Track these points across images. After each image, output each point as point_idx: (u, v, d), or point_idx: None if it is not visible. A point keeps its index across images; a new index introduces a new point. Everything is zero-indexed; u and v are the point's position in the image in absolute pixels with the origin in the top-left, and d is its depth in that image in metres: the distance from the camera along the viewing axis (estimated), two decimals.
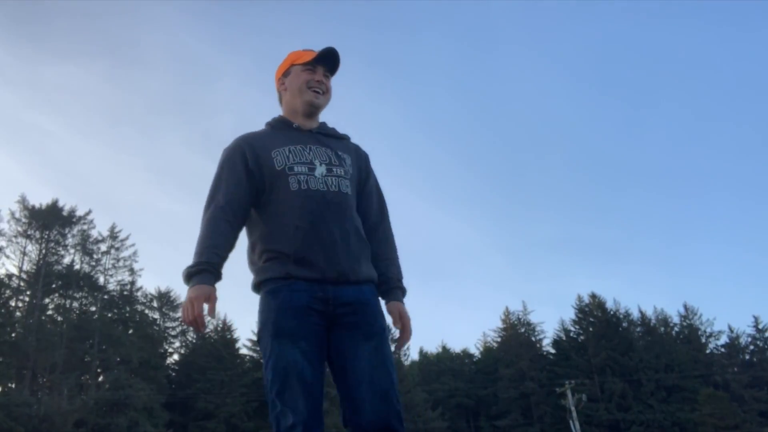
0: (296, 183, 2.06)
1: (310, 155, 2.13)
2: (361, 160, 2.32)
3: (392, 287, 2.21)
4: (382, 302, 2.20)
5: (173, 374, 47.06)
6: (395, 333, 2.25)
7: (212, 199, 2.12)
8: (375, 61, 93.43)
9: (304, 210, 2.03)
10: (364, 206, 2.26)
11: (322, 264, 2.01)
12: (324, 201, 2.06)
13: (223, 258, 2.02)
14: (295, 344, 1.94)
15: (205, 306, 1.91)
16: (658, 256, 77.87)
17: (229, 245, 2.06)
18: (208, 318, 1.91)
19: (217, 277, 1.99)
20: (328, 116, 2.39)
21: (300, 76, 2.26)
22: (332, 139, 2.26)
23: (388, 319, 2.19)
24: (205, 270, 1.95)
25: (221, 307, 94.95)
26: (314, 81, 2.24)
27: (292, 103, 2.27)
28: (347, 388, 2.01)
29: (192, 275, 1.94)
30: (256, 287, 2.10)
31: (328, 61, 2.26)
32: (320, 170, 2.11)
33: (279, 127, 2.25)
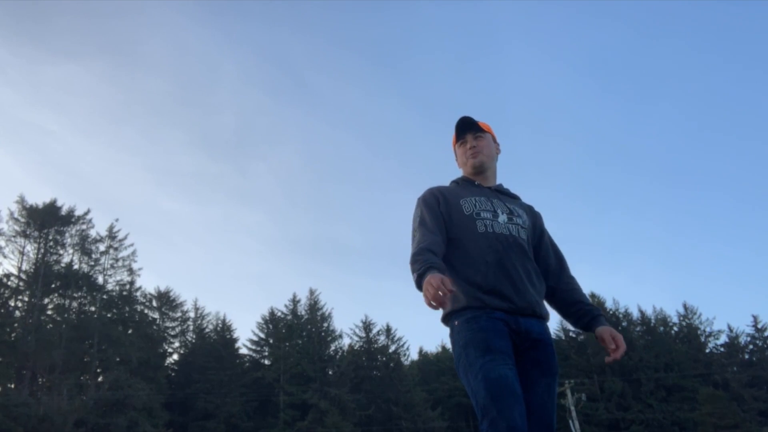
0: (483, 226, 2.39)
1: (492, 205, 2.48)
2: (535, 218, 2.65)
3: (596, 315, 2.49)
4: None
5: (173, 374, 47.01)
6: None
7: (421, 239, 2.35)
8: (377, 58, 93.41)
9: (491, 249, 2.34)
10: (543, 258, 2.56)
11: (512, 295, 2.28)
12: (507, 243, 2.37)
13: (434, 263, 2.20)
14: (505, 361, 2.14)
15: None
16: (658, 256, 77.95)
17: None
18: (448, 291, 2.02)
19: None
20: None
21: (459, 153, 2.70)
22: (508, 197, 2.62)
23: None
24: (433, 267, 2.14)
25: (220, 307, 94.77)
26: (468, 151, 2.63)
27: (466, 173, 2.68)
28: None
29: (423, 274, 2.12)
30: (449, 315, 2.33)
31: (466, 129, 2.65)
32: (502, 218, 2.45)
33: (463, 184, 2.63)
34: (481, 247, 2.34)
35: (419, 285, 2.13)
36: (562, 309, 2.56)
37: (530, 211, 2.65)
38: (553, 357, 2.32)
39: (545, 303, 2.49)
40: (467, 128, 2.65)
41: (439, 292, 2.00)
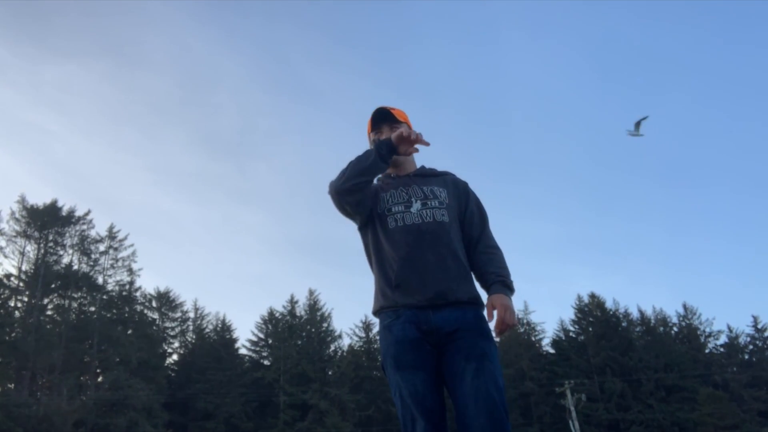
0: (393, 221, 2.42)
1: (406, 195, 2.48)
2: (458, 189, 2.60)
3: (492, 282, 2.41)
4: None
5: (172, 374, 47.00)
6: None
7: None
8: (378, 58, 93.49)
9: (401, 243, 2.36)
10: (468, 225, 2.54)
11: (419, 286, 2.29)
12: (419, 231, 2.37)
13: None
14: (415, 375, 2.18)
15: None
16: (658, 256, 77.95)
17: None
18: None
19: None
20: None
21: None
22: (429, 178, 2.58)
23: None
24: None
25: (220, 308, 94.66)
26: None
27: None
28: (457, 411, 2.17)
29: (374, 147, 2.42)
30: (374, 315, 2.45)
31: (382, 120, 2.62)
32: (416, 206, 2.44)
33: (383, 179, 2.64)
34: (392, 243, 2.38)
35: (380, 150, 2.37)
36: (477, 279, 2.48)
37: (454, 185, 2.60)
38: (476, 339, 2.23)
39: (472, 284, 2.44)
40: (383, 119, 2.62)
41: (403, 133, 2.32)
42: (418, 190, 2.50)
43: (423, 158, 2.72)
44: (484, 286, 2.45)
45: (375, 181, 2.63)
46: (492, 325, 2.30)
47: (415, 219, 2.40)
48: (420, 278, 2.29)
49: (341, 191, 2.38)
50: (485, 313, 2.33)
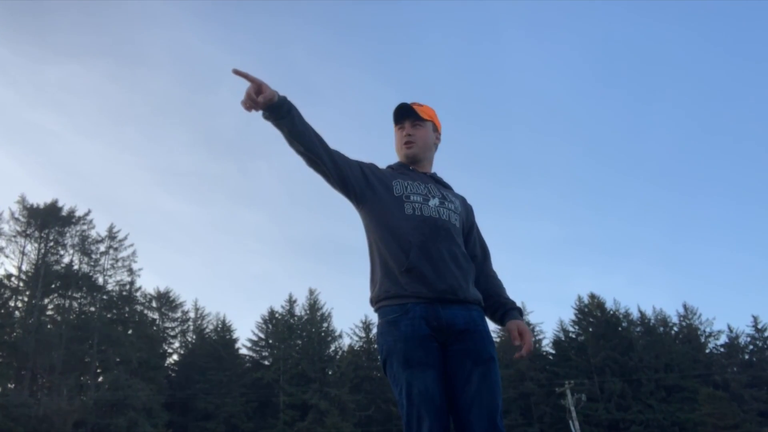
0: (411, 209, 2.37)
1: (425, 190, 2.47)
2: (467, 209, 2.63)
3: (509, 309, 2.44)
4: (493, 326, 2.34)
5: (173, 374, 47.02)
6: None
7: None
8: (380, 57, 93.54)
9: (417, 230, 2.32)
10: (470, 250, 2.53)
11: (432, 277, 2.24)
12: (435, 225, 2.35)
13: (293, 105, 2.29)
14: (425, 372, 2.14)
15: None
16: (658, 256, 77.98)
17: (303, 121, 2.33)
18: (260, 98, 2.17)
19: (286, 101, 2.27)
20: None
21: (396, 137, 2.64)
22: (442, 186, 2.60)
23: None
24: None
25: (220, 308, 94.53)
26: (403, 138, 2.58)
27: (400, 158, 2.64)
28: (457, 411, 2.17)
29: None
30: (373, 302, 2.36)
31: (404, 115, 2.59)
32: (434, 201, 2.44)
33: (399, 169, 2.60)
34: (407, 229, 2.32)
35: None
36: (487, 298, 2.48)
37: (464, 201, 2.65)
38: (483, 343, 2.25)
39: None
40: (406, 115, 2.59)
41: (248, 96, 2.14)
42: (436, 189, 2.51)
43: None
44: (497, 308, 2.46)
45: (386, 167, 2.64)
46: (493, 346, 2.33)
47: (432, 212, 2.38)
48: (432, 269, 2.25)
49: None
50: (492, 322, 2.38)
